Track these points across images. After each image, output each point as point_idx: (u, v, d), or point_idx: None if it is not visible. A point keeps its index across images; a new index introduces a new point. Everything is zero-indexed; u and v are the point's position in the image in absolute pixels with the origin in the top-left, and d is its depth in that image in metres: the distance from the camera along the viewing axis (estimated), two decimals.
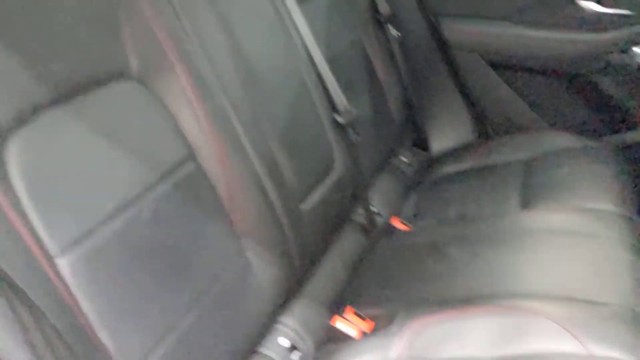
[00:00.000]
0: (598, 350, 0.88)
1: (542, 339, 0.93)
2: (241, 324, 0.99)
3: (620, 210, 1.27)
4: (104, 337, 0.76)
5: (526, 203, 1.36)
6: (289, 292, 1.14)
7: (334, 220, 1.33)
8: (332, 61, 1.37)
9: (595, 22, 1.58)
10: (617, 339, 0.91)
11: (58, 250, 0.73)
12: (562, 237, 1.21)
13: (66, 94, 0.83)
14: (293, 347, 1.09)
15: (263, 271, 1.05)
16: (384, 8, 1.70)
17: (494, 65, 1.75)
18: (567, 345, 0.90)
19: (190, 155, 0.98)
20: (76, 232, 0.76)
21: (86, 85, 0.86)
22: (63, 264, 0.74)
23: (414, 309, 1.07)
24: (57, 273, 0.73)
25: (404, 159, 1.75)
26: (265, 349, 1.06)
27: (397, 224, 1.48)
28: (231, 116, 1.04)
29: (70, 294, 0.74)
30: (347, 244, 1.38)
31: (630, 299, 1.01)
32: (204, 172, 1.00)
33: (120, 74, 0.92)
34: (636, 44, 1.56)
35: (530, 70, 1.73)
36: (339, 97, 1.34)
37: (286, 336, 1.10)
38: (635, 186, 1.39)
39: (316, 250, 1.25)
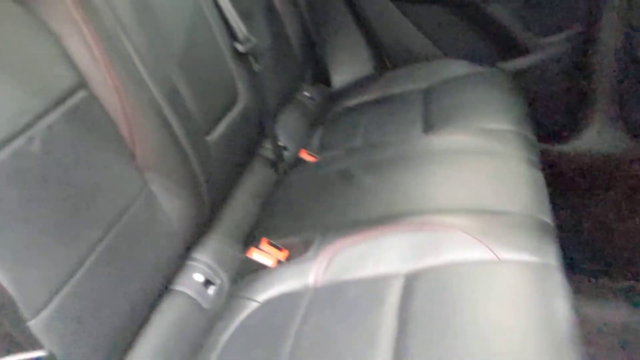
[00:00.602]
0: (507, 255, 0.92)
1: (454, 250, 0.95)
2: (152, 260, 0.94)
3: (516, 129, 1.33)
4: (2, 278, 0.68)
5: (428, 128, 1.38)
6: (200, 227, 1.09)
7: (242, 153, 1.29)
8: None
9: None
10: (523, 244, 0.95)
11: None
12: (465, 155, 1.24)
13: None
14: (208, 282, 1.05)
15: (171, 205, 1.00)
16: None
17: None
18: (478, 253, 0.93)
19: (82, 82, 0.90)
20: None
21: None
22: None
23: (329, 234, 1.07)
24: None
25: (307, 94, 1.72)
26: (180, 286, 1.02)
27: (305, 156, 1.47)
28: (123, 40, 0.96)
29: None
30: (257, 178, 1.35)
31: (531, 207, 1.07)
32: (99, 101, 0.92)
33: None
34: None
35: (425, 0, 1.75)
36: (238, 25, 1.28)
37: (201, 272, 1.06)
38: (529, 107, 1.46)
39: (225, 185, 1.21)
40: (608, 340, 1.41)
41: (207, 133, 1.13)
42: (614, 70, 1.61)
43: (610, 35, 1.59)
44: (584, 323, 0.86)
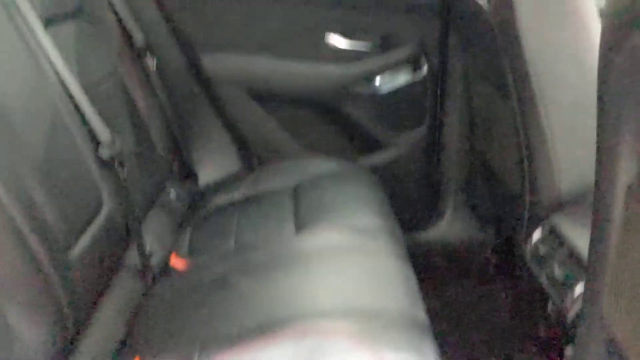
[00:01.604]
0: (390, 356, 0.94)
1: (338, 356, 0.95)
2: None
3: (383, 223, 1.39)
4: None
5: (300, 227, 1.40)
6: (64, 354, 0.98)
7: (107, 266, 1.20)
8: (88, 92, 1.26)
9: (343, 55, 1.73)
10: (404, 344, 0.97)
11: None
12: (339, 254, 1.27)
13: None
14: None
15: (29, 335, 0.89)
16: (138, 38, 1.62)
17: (255, 96, 1.79)
18: (364, 357, 0.94)
19: None
20: None
21: None
22: None
23: (208, 349, 1.01)
24: None
25: (173, 194, 1.68)
26: None
27: (176, 261, 1.40)
28: None
29: None
30: (123, 291, 1.25)
31: (406, 304, 1.10)
32: None
33: None
34: (378, 74, 1.75)
35: (288, 100, 1.81)
36: (101, 130, 1.23)
37: None
38: (391, 200, 1.54)
39: (89, 303, 1.11)
40: None
41: (69, 248, 1.04)
42: (461, 163, 1.78)
43: (453, 133, 1.77)
44: None
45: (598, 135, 0.61)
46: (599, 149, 0.61)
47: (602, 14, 0.69)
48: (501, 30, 1.18)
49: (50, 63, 1.19)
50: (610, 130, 0.57)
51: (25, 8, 1.17)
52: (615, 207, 0.57)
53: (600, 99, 0.59)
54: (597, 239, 0.63)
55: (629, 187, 0.54)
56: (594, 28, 1.06)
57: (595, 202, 0.63)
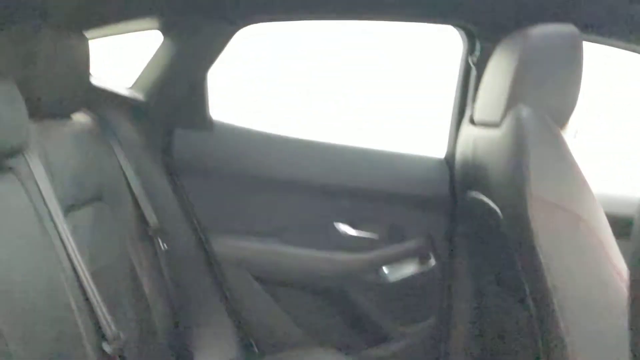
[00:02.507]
0: None
1: None
2: None
3: None
4: None
5: None
6: None
7: None
8: (96, 276, 1.24)
9: (351, 244, 1.75)
10: None
11: None
12: None
13: None
14: None
15: None
16: (152, 221, 1.64)
17: (261, 280, 1.78)
18: None
19: None
20: None
21: None
22: None
23: None
24: None
25: None
26: None
27: None
28: None
29: None
30: None
31: None
32: None
33: None
34: (385, 264, 1.76)
35: (294, 286, 1.80)
36: (107, 322, 1.19)
37: None
38: None
39: None
40: None
41: None
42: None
43: (462, 329, 1.73)
44: None
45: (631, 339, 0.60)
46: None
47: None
48: (516, 241, 1.20)
49: (66, 250, 1.19)
50: None
51: (48, 196, 1.19)
52: None
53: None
54: None
55: None
56: (613, 246, 1.08)
57: None
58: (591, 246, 1.12)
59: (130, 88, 1.76)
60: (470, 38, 1.68)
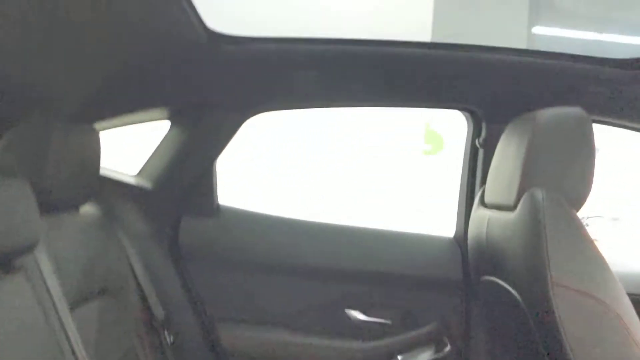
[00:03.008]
0: None
1: None
2: None
3: None
4: None
5: None
6: None
7: None
8: None
9: (363, 331, 1.69)
10: None
11: None
12: None
13: None
14: None
15: None
16: (158, 312, 1.59)
17: None
18: None
19: None
20: None
21: None
22: None
23: None
24: None
25: None
26: None
27: None
28: None
29: None
30: None
31: None
32: None
33: None
34: (400, 352, 1.69)
35: None
36: None
37: None
38: None
39: None
40: None
41: None
42: None
43: None
44: None
45: None
46: None
47: None
48: (539, 327, 1.16)
49: (71, 347, 1.14)
50: None
51: (55, 293, 1.16)
52: None
53: None
54: None
55: None
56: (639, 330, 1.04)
57: None
58: (617, 332, 1.08)
59: (137, 175, 1.76)
60: (476, 120, 1.70)
